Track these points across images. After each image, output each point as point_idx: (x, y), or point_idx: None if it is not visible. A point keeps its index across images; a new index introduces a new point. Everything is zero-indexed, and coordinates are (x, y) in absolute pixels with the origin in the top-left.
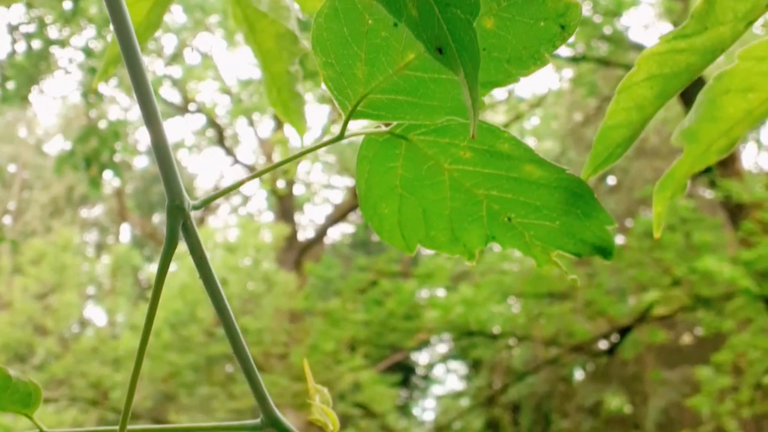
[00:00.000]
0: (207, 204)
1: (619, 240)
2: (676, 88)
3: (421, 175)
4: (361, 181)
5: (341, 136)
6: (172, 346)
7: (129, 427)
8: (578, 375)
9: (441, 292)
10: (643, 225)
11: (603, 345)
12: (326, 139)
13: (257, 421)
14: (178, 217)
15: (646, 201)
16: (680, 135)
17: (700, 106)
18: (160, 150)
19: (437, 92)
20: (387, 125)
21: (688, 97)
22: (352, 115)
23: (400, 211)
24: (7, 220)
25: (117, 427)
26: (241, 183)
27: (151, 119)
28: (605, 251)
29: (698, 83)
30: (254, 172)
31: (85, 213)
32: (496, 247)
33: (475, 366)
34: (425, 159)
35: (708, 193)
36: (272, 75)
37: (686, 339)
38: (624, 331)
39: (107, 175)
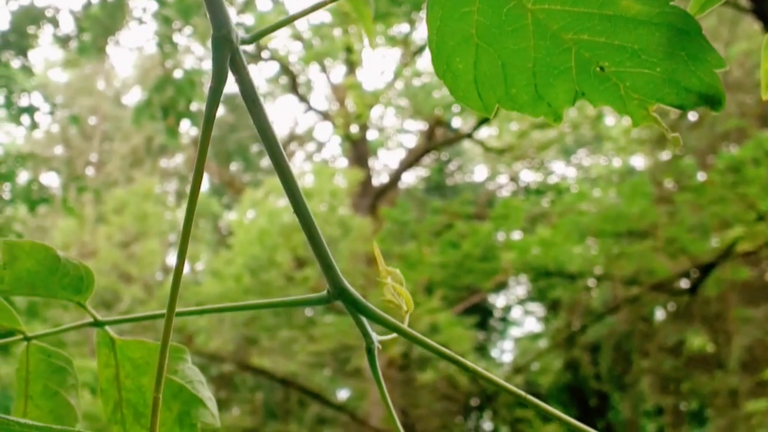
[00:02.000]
0: (258, 38)
1: (701, 176)
2: None
3: (501, 20)
4: (432, 31)
5: None
6: (252, 290)
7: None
8: (659, 314)
9: (517, 235)
10: (726, 160)
11: (684, 283)
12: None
13: (324, 293)
14: (224, 50)
15: (729, 136)
16: None
17: None
18: None
19: None
20: None
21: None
22: None
23: (476, 66)
24: (90, 171)
25: (164, 311)
26: (298, 16)
27: None
28: (714, 100)
29: None
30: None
31: (164, 163)
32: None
33: (554, 307)
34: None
35: None
36: None
37: None
38: (707, 269)
39: (184, 124)
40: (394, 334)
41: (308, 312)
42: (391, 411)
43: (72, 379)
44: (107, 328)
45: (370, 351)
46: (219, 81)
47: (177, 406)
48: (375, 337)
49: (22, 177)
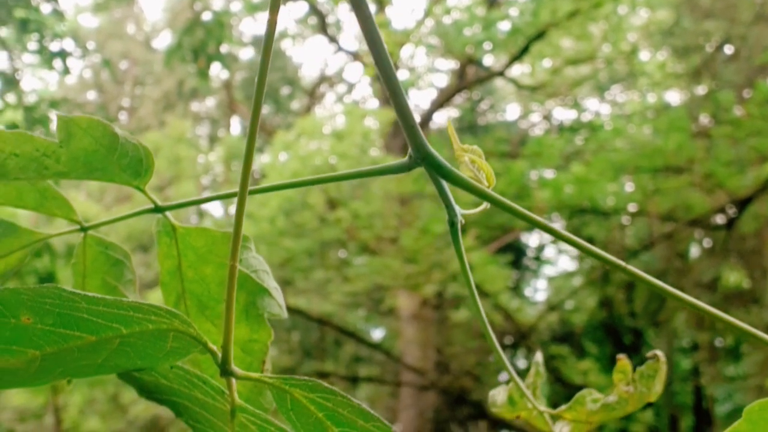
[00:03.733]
0: None
1: (738, 111)
2: None
3: None
4: None
5: None
6: (287, 232)
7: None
8: (694, 251)
9: (550, 173)
10: (763, 92)
11: (721, 219)
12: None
13: (405, 159)
14: None
15: (766, 70)
16: None
17: None
18: None
19: None
20: None
21: None
22: None
23: None
24: (123, 115)
25: (237, 190)
26: None
27: None
28: None
29: None
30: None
31: (196, 107)
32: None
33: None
34: None
35: None
36: None
37: None
38: (743, 204)
39: (215, 68)
40: (478, 208)
41: (342, 253)
42: (471, 287)
43: (130, 274)
44: (168, 214)
45: (453, 225)
46: None
47: (242, 296)
48: (458, 210)
49: None
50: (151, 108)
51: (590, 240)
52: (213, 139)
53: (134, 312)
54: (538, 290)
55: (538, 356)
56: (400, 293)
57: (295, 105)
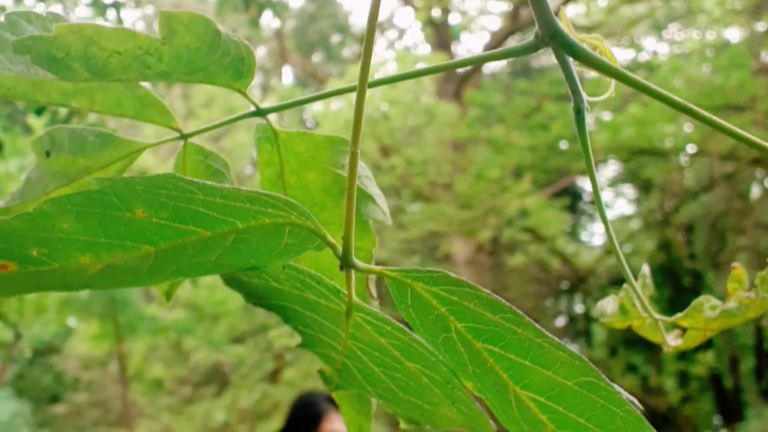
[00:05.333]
0: None
1: None
2: None
3: None
4: None
5: None
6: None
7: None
8: (755, 191)
9: (607, 115)
10: None
11: None
12: None
13: (531, 39)
14: None
15: None
16: None
17: None
18: None
19: None
20: None
21: None
22: None
23: None
24: None
25: (356, 83)
26: None
27: None
28: None
29: None
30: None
31: None
32: None
33: (646, 188)
34: None
35: None
36: None
37: None
38: None
39: (266, 16)
40: (604, 95)
41: (396, 201)
42: (595, 181)
43: (229, 185)
44: (270, 118)
45: (579, 111)
46: None
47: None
48: (584, 96)
49: None
50: None
51: (648, 183)
52: (265, 89)
53: (251, 204)
54: (595, 234)
55: (645, 268)
56: (454, 239)
57: (346, 53)
